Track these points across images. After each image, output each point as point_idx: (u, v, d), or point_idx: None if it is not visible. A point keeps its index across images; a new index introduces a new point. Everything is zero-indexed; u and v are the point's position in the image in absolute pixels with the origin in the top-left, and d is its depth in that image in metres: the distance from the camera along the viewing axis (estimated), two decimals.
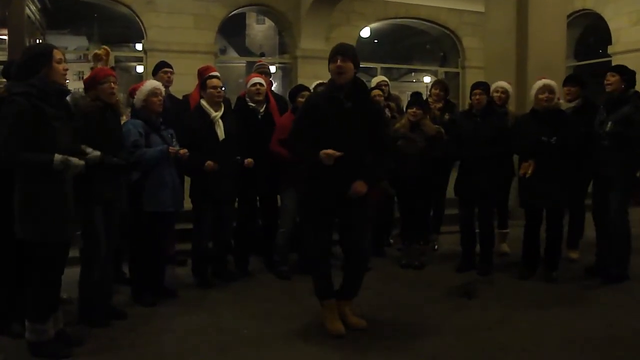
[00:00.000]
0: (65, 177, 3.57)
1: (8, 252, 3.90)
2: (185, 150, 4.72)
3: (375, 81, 6.98)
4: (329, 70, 4.04)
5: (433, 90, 6.67)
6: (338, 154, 3.86)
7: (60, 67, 3.64)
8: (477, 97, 5.62)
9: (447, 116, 6.36)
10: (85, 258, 4.17)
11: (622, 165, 5.13)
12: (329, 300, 4.16)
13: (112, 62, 5.28)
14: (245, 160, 5.28)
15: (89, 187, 3.91)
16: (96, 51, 4.85)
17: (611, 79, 5.23)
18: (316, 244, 4.15)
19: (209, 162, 4.99)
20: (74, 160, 3.52)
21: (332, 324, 4.09)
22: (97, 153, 3.86)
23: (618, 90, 5.20)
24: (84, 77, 4.38)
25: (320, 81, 5.68)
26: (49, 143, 3.49)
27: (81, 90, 4.49)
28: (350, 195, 3.96)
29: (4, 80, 4.25)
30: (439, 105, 6.51)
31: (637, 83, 5.34)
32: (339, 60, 3.96)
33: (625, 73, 5.24)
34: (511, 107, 6.63)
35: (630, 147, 5.08)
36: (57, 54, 3.63)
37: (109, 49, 4.97)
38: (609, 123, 5.08)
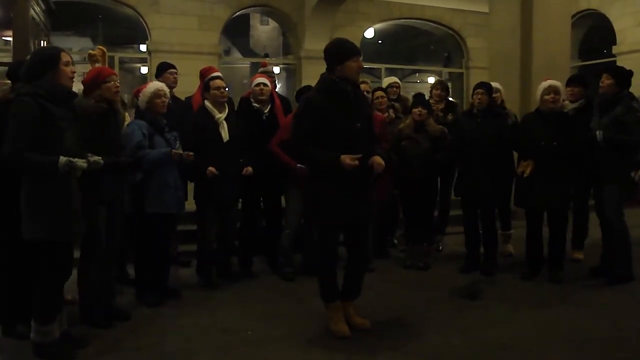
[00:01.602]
0: (70, 178, 3.58)
1: (13, 252, 3.92)
2: (192, 154, 4.73)
3: (386, 82, 6.95)
4: (345, 66, 3.97)
5: (434, 91, 6.66)
6: (358, 156, 3.87)
7: (68, 69, 3.64)
8: (479, 97, 5.63)
9: (450, 116, 6.36)
10: (83, 257, 4.17)
11: (617, 166, 5.13)
12: (334, 302, 4.16)
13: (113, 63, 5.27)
14: (245, 169, 5.25)
15: (92, 188, 3.91)
16: (90, 52, 4.85)
17: (606, 81, 5.26)
18: (326, 246, 4.14)
19: (210, 169, 4.98)
20: (79, 162, 3.52)
21: (337, 326, 4.09)
22: (98, 158, 3.79)
23: (611, 92, 5.22)
24: (83, 79, 4.36)
25: None
26: (56, 144, 3.50)
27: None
28: (376, 172, 4.04)
29: (9, 81, 4.26)
30: (441, 106, 6.51)
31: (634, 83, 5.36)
32: (360, 61, 4.05)
33: (620, 76, 5.26)
34: (512, 104, 6.66)
35: (623, 148, 5.10)
36: (65, 57, 3.64)
37: (104, 49, 4.96)
38: (597, 133, 5.10)
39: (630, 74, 5.32)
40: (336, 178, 3.91)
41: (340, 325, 4.08)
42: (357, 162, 3.85)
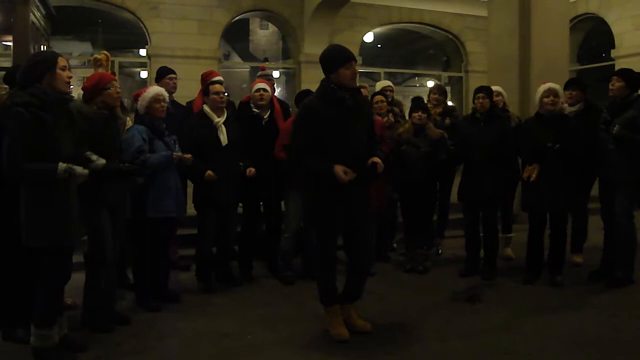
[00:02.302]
0: (69, 185, 3.58)
1: (13, 257, 3.92)
2: (190, 156, 4.74)
3: (380, 86, 6.96)
4: (339, 74, 3.98)
5: (432, 95, 6.67)
6: (352, 173, 3.88)
7: (64, 74, 3.64)
8: (481, 100, 5.63)
9: (448, 120, 6.36)
10: (91, 263, 4.17)
11: (628, 168, 5.13)
12: (333, 305, 4.16)
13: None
14: (247, 170, 5.28)
15: (95, 192, 3.92)
16: (96, 56, 4.90)
17: (616, 84, 5.25)
18: (324, 251, 4.14)
19: (208, 172, 5.00)
20: (78, 169, 3.52)
21: (336, 329, 4.09)
22: (102, 161, 3.85)
23: (621, 94, 5.22)
24: (83, 85, 4.37)
25: None
26: (52, 151, 3.49)
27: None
28: (378, 171, 4.02)
29: (6, 86, 4.27)
30: (439, 110, 6.51)
31: None
32: (354, 66, 4.03)
33: (630, 78, 5.26)
34: (511, 108, 6.67)
35: (636, 150, 5.09)
36: (62, 61, 3.64)
37: (108, 54, 5.01)
38: (616, 126, 5.08)
39: (639, 75, 5.33)
40: (332, 185, 3.91)
41: (340, 328, 4.08)
42: (349, 178, 3.86)
